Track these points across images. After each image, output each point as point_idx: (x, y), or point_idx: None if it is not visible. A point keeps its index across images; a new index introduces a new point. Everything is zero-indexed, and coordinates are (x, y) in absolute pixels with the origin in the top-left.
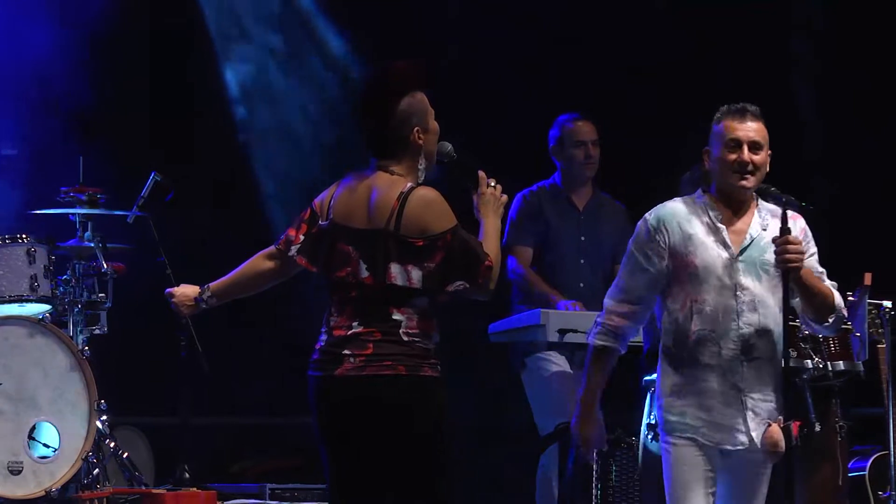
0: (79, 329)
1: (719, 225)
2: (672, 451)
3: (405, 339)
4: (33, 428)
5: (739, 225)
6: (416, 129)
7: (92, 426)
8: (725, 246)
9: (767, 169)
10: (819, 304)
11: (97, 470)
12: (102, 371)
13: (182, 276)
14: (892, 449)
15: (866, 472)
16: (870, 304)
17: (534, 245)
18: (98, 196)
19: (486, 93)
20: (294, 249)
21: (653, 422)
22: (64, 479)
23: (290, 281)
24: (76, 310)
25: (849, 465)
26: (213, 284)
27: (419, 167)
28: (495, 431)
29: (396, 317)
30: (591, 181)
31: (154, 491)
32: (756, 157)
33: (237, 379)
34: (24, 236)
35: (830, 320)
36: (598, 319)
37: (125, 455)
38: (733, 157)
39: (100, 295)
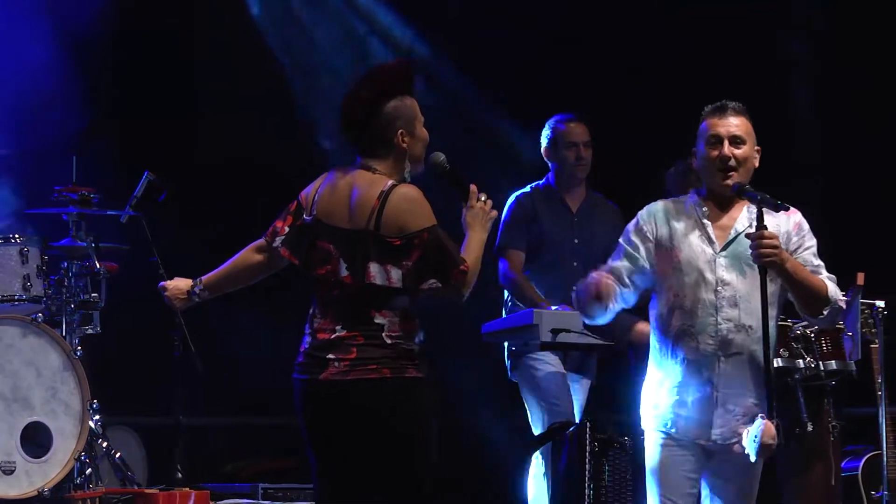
0: (72, 329)
1: (704, 221)
2: (651, 444)
3: (388, 341)
4: (26, 428)
5: (725, 221)
6: (400, 131)
7: (85, 426)
8: (709, 241)
9: (756, 163)
10: (809, 297)
11: (90, 470)
12: (95, 371)
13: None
14: (884, 448)
15: (859, 472)
16: (863, 303)
17: (527, 248)
18: (91, 196)
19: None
20: (279, 241)
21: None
22: (56, 479)
23: (282, 281)
24: (69, 310)
25: (842, 465)
26: (205, 278)
27: (405, 171)
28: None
29: (378, 320)
30: (585, 181)
31: (147, 491)
32: (738, 152)
33: (230, 379)
34: (16, 236)
35: (825, 312)
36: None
37: (118, 455)
38: (715, 153)
39: (93, 295)
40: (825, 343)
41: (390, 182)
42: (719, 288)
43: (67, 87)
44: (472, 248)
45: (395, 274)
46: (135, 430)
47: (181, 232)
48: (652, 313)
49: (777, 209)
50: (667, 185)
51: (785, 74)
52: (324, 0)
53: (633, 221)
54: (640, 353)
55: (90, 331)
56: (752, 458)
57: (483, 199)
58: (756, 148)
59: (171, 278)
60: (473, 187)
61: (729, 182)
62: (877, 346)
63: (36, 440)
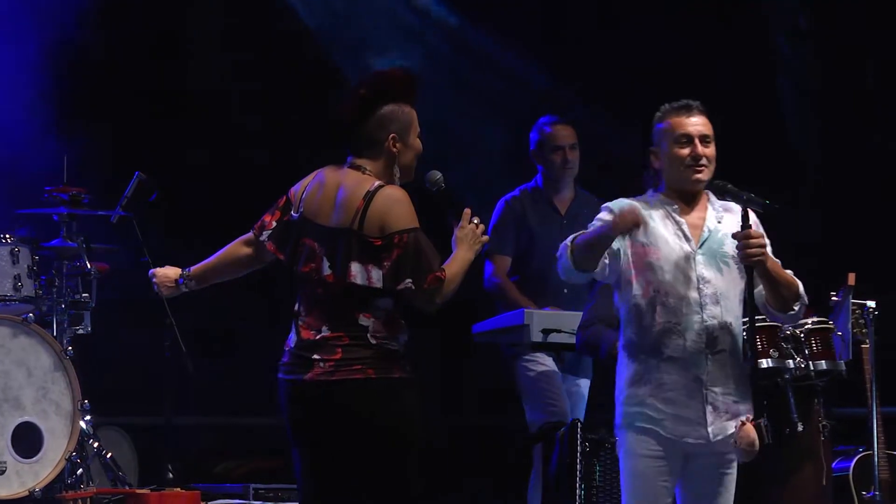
0: (63, 329)
1: (679, 218)
2: (630, 443)
3: (373, 342)
4: (17, 428)
5: (696, 219)
6: (392, 136)
7: (75, 426)
8: (686, 238)
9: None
10: (786, 294)
11: (81, 470)
12: (86, 371)
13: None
14: (875, 449)
15: (850, 473)
16: (853, 303)
17: (516, 252)
18: (82, 196)
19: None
20: (266, 235)
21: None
22: (47, 480)
23: (273, 281)
24: (60, 310)
25: (832, 466)
26: (193, 268)
27: (395, 176)
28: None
29: (363, 322)
30: (574, 181)
31: (138, 491)
32: (708, 151)
33: (221, 379)
34: (7, 236)
35: (796, 308)
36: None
37: (109, 455)
38: (685, 151)
39: (83, 295)
40: (815, 343)
41: (377, 183)
42: (701, 286)
43: (58, 87)
44: (456, 263)
45: (376, 274)
46: (126, 431)
47: (172, 232)
48: (622, 308)
49: (765, 208)
50: (645, 186)
51: (777, 73)
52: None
53: (604, 211)
54: None
55: (81, 331)
56: (740, 459)
57: (476, 221)
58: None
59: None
60: (467, 210)
61: (700, 177)
62: (868, 346)
63: (27, 440)
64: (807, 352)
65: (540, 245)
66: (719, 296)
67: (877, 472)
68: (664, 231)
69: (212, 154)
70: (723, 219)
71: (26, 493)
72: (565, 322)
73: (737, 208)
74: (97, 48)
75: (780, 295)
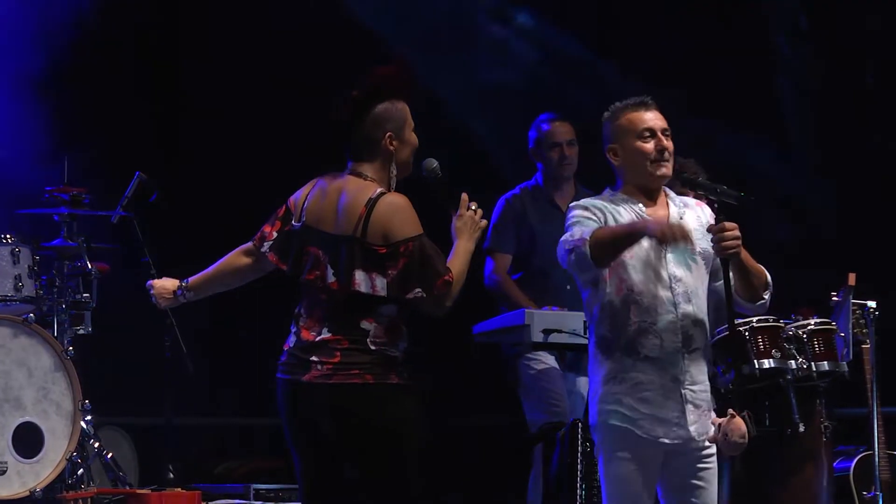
0: (63, 329)
1: (645, 216)
2: (608, 446)
3: (372, 347)
4: (18, 428)
5: (660, 216)
6: (388, 134)
7: (76, 426)
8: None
9: None
10: (756, 283)
11: (81, 470)
12: (87, 371)
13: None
14: (876, 449)
15: (851, 473)
16: (854, 304)
17: (517, 250)
18: (82, 196)
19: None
20: (266, 246)
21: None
22: (48, 480)
23: (274, 282)
24: (60, 310)
25: (833, 466)
26: (191, 279)
27: (391, 174)
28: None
29: (364, 326)
30: (574, 178)
31: (138, 491)
32: (670, 144)
33: (221, 379)
34: (7, 237)
35: (766, 297)
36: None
37: (109, 455)
38: (650, 145)
39: (84, 295)
40: (817, 344)
41: (379, 189)
42: (673, 284)
43: (59, 87)
44: (459, 258)
45: (380, 282)
46: (126, 431)
47: (172, 232)
48: (594, 306)
49: (739, 201)
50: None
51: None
52: None
53: (579, 209)
54: None
55: (81, 331)
56: (729, 453)
57: (473, 207)
58: None
59: (161, 278)
60: (464, 196)
61: (665, 171)
62: (868, 346)
63: (28, 440)
64: (809, 353)
65: (541, 243)
66: (690, 294)
67: (877, 473)
68: None
69: (213, 154)
70: (684, 214)
71: (27, 493)
72: (566, 322)
73: (693, 203)
74: (98, 48)
75: (751, 285)
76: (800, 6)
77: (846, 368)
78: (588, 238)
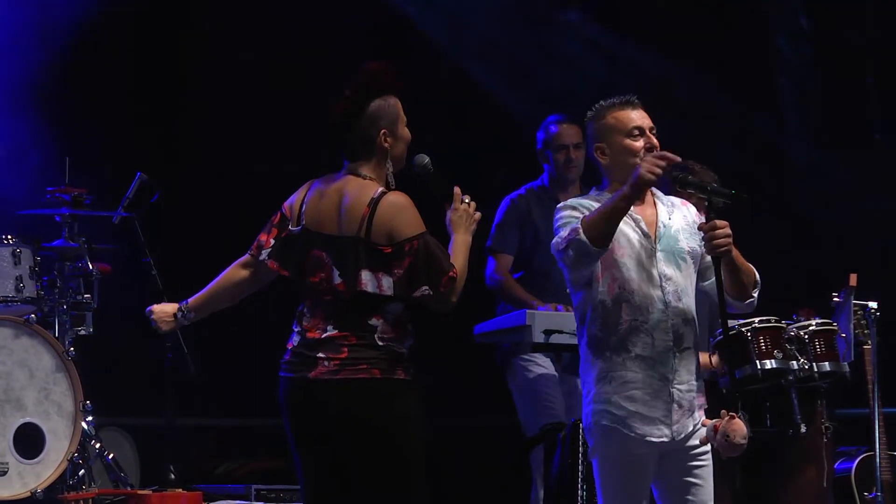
0: (64, 330)
1: (636, 215)
2: (601, 449)
3: (380, 343)
4: (19, 429)
5: (649, 215)
6: (383, 131)
7: (77, 427)
8: (645, 235)
9: None
10: (746, 281)
11: (82, 471)
12: (88, 372)
13: (169, 277)
14: (877, 450)
15: (852, 473)
16: (855, 304)
17: (520, 250)
18: (83, 197)
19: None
20: (265, 254)
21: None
22: (49, 480)
23: (274, 282)
24: (62, 310)
25: (835, 466)
26: (191, 300)
27: (388, 170)
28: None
29: (371, 322)
30: (580, 181)
31: (140, 492)
32: (657, 142)
33: (223, 380)
34: (9, 237)
35: (754, 295)
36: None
37: (111, 456)
38: (639, 143)
39: (85, 296)
40: (819, 345)
41: (380, 189)
42: (664, 283)
43: (60, 87)
44: (458, 252)
45: (386, 282)
46: (127, 432)
47: (173, 233)
48: (587, 307)
49: (731, 199)
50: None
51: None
52: None
53: (567, 209)
54: None
55: (83, 332)
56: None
57: (467, 200)
58: None
59: (163, 279)
60: (457, 189)
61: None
62: (869, 347)
63: (29, 441)
64: (811, 353)
65: (544, 243)
66: (680, 292)
67: (878, 473)
68: (625, 228)
69: (214, 155)
70: (672, 214)
71: (28, 493)
72: (567, 323)
73: (679, 202)
74: (99, 48)
75: (741, 283)
76: (800, 6)
77: (847, 369)
78: (580, 227)
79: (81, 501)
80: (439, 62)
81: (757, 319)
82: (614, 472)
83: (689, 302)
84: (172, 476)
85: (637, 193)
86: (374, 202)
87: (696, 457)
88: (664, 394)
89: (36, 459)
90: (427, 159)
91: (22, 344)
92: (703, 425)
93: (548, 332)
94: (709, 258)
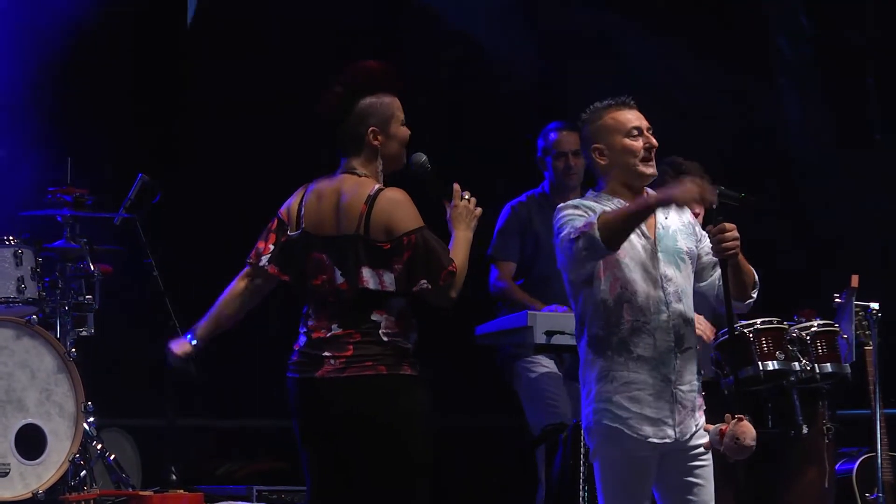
0: (66, 331)
1: None
2: (602, 450)
3: (385, 339)
4: (21, 430)
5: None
6: (371, 129)
7: (79, 428)
8: (645, 236)
9: None
10: (747, 282)
11: (84, 472)
12: (89, 373)
13: (170, 278)
14: (879, 451)
15: (853, 474)
16: (857, 305)
17: (521, 258)
18: (85, 197)
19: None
20: (265, 259)
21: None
22: (51, 481)
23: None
24: (63, 311)
25: (836, 467)
26: (198, 328)
27: (378, 169)
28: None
29: (375, 318)
30: (581, 188)
31: (141, 493)
32: (655, 142)
33: (223, 380)
34: (10, 238)
35: (754, 295)
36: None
37: (112, 457)
38: (639, 143)
39: (87, 297)
40: (821, 346)
41: (377, 186)
42: (665, 283)
43: (61, 88)
44: (459, 248)
45: (388, 278)
46: (129, 432)
47: (175, 234)
48: (587, 307)
49: (739, 202)
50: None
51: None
52: None
53: (570, 208)
54: None
55: (84, 333)
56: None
57: (467, 197)
58: None
59: (164, 280)
60: (457, 186)
61: (653, 170)
62: (871, 348)
63: (30, 442)
64: (812, 354)
65: (545, 252)
66: (681, 293)
67: (880, 474)
68: None
69: (216, 156)
70: (669, 215)
71: (30, 494)
72: (568, 323)
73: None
74: (99, 48)
75: (743, 284)
76: (800, 6)
77: (849, 370)
78: (595, 222)
79: (83, 502)
80: (440, 61)
81: (759, 321)
82: (616, 473)
83: (688, 302)
84: (174, 477)
85: (663, 207)
86: (371, 199)
87: (696, 457)
88: (667, 395)
89: (37, 460)
90: (424, 158)
91: (23, 345)
92: (706, 430)
93: (549, 333)
94: (705, 259)
